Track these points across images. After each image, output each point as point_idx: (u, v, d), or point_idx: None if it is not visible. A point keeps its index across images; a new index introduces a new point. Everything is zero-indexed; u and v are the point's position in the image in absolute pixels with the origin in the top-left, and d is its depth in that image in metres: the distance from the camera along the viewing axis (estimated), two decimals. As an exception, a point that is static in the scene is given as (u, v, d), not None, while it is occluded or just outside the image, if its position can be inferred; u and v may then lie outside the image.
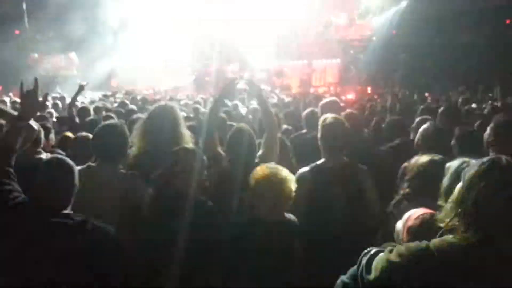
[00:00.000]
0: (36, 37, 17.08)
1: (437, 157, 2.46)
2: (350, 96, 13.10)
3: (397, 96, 7.73)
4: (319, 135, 2.94)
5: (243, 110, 6.75)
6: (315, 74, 19.09)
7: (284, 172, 2.36)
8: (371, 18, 17.93)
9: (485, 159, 1.45)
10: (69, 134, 4.11)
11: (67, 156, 2.41)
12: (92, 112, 5.90)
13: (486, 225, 1.37)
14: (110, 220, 2.13)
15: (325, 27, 18.77)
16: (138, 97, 9.57)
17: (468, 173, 1.44)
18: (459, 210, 1.43)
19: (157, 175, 2.43)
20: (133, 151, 2.89)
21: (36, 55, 17.34)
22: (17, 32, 16.80)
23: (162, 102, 3.53)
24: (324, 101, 4.30)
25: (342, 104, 5.11)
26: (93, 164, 2.62)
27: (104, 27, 17.21)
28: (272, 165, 2.43)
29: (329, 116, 2.95)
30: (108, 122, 2.89)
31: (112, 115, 5.09)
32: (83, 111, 5.68)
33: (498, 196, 1.36)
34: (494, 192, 1.37)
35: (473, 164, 1.46)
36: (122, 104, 7.62)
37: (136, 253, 2.20)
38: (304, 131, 4.18)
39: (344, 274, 1.70)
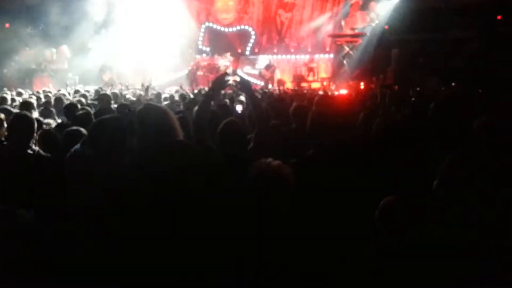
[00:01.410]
0: (26, 30, 16.87)
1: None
2: (344, 91, 13.12)
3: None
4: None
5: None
6: (308, 69, 19.08)
7: None
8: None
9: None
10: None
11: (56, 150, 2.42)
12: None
13: None
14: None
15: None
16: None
17: None
18: None
19: None
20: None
21: (27, 48, 17.15)
22: (7, 25, 16.61)
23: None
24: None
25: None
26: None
27: (96, 20, 17.07)
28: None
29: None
30: (106, 116, 2.91)
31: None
32: (71, 107, 5.59)
33: None
34: None
35: None
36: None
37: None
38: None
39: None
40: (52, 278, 2.32)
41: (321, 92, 11.67)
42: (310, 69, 18.94)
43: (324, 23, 19.23)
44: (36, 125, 3.25)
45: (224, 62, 18.46)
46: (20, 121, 3.19)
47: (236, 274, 2.21)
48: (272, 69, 18.53)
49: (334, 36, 18.71)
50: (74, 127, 3.51)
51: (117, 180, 2.50)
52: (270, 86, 16.86)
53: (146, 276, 2.30)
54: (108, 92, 9.02)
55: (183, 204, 2.43)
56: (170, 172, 2.51)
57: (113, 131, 2.65)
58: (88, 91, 10.52)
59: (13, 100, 7.52)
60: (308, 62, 19.03)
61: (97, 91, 10.07)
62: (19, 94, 9.06)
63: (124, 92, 10.75)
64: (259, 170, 2.30)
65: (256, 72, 18.85)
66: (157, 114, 2.76)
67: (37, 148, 3.20)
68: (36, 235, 2.46)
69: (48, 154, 3.26)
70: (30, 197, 2.81)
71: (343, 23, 18.52)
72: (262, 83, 17.66)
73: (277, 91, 12.09)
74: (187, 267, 2.28)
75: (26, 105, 5.89)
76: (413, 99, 5.49)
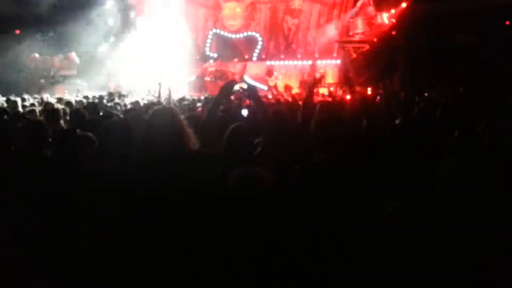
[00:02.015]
0: (36, 36, 17.09)
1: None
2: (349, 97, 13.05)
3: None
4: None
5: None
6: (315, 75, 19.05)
7: None
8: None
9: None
10: None
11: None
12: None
13: None
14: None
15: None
16: None
17: None
18: None
19: None
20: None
21: (36, 54, 17.36)
22: (17, 31, 16.82)
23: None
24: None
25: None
26: None
27: (104, 27, 17.25)
28: None
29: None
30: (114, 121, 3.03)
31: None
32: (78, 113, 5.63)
33: None
34: None
35: None
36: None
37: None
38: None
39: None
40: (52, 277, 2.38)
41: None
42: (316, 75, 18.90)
43: (331, 29, 19.24)
44: (48, 131, 3.33)
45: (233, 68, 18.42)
46: (32, 127, 3.27)
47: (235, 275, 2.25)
48: (274, 76, 18.33)
49: (341, 42, 18.71)
50: (81, 132, 3.56)
51: (123, 179, 2.57)
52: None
53: (145, 276, 2.33)
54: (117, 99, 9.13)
55: (182, 207, 2.46)
56: (173, 176, 2.54)
57: (120, 134, 2.76)
58: (95, 97, 10.66)
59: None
60: (311, 71, 18.83)
61: (100, 97, 10.23)
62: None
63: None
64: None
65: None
66: (168, 118, 2.82)
67: (48, 152, 3.28)
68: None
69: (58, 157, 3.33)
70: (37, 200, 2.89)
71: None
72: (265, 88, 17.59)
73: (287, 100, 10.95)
74: (185, 268, 2.31)
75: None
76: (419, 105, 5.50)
